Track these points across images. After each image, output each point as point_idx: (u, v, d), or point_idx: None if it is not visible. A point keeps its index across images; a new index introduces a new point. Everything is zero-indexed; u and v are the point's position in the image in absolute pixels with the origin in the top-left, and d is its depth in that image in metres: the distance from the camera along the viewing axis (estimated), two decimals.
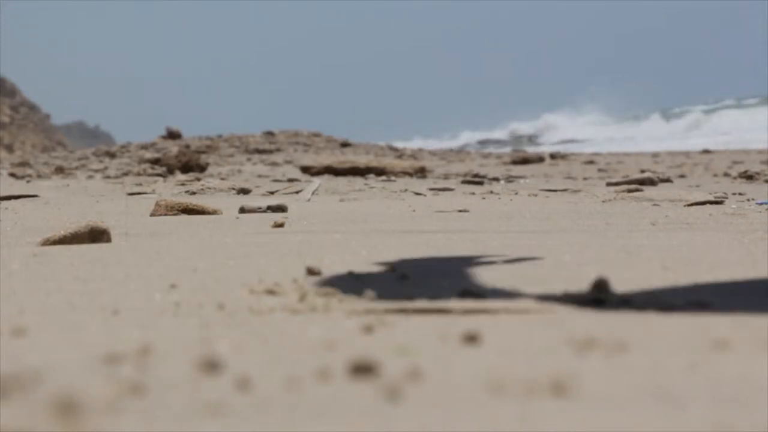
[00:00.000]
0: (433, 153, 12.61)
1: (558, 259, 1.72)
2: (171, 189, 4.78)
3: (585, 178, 6.42)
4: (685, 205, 3.22)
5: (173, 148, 10.81)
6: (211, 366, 0.93)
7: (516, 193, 4.02)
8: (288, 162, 9.60)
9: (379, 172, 6.61)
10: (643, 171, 6.80)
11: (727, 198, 3.63)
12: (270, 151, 11.36)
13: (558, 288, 1.41)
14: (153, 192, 4.59)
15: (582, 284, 1.43)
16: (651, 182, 4.89)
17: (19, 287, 1.46)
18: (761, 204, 3.31)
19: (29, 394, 0.84)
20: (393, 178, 6.33)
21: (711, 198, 3.39)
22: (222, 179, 6.06)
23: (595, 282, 1.38)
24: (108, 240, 2.14)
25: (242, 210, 3.00)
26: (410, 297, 1.34)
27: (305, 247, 1.93)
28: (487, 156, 12.07)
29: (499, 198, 3.74)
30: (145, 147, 11.54)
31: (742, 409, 0.80)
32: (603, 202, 3.51)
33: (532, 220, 2.68)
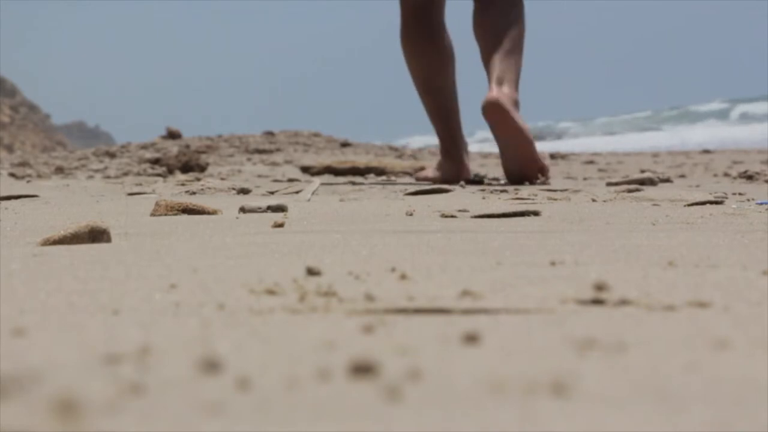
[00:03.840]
0: (433, 153, 12.61)
1: (558, 259, 1.72)
2: (171, 189, 4.78)
3: (585, 178, 6.42)
4: (685, 205, 3.22)
5: (173, 148, 10.81)
6: (211, 366, 0.93)
7: (517, 193, 4.02)
8: (288, 162, 9.60)
9: (379, 172, 6.61)
10: (643, 171, 6.79)
11: (727, 198, 3.63)
12: (270, 151, 11.36)
13: (558, 288, 1.41)
14: (153, 192, 4.59)
15: (582, 284, 1.43)
16: (651, 182, 4.88)
17: (19, 287, 1.46)
18: (761, 204, 3.31)
19: (29, 394, 0.84)
20: (393, 177, 6.33)
21: (711, 198, 3.39)
22: (222, 179, 6.06)
23: (595, 282, 1.38)
24: (108, 240, 2.14)
25: (242, 210, 3.00)
26: (410, 297, 1.34)
27: (305, 247, 1.94)
28: (487, 156, 12.08)
29: (499, 198, 3.74)
30: (145, 147, 11.54)
31: (742, 409, 0.80)
32: (603, 202, 3.51)
33: (532, 220, 2.68)
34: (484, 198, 3.72)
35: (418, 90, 4.73)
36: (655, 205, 3.31)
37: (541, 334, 1.10)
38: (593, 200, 3.59)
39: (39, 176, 7.25)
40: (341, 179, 6.27)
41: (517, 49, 4.28)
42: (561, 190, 4.36)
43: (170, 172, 6.95)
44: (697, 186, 5.07)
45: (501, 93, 4.18)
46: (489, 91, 4.24)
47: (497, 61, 4.25)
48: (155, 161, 7.58)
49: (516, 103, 4.22)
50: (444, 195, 3.94)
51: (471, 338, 1.05)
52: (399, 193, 4.27)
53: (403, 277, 1.51)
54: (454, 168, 4.70)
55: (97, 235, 2.12)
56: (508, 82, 4.22)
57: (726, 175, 6.51)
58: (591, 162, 9.43)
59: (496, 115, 4.14)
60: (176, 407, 0.80)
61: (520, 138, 4.20)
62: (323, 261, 1.70)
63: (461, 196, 3.89)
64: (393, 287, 1.43)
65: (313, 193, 4.13)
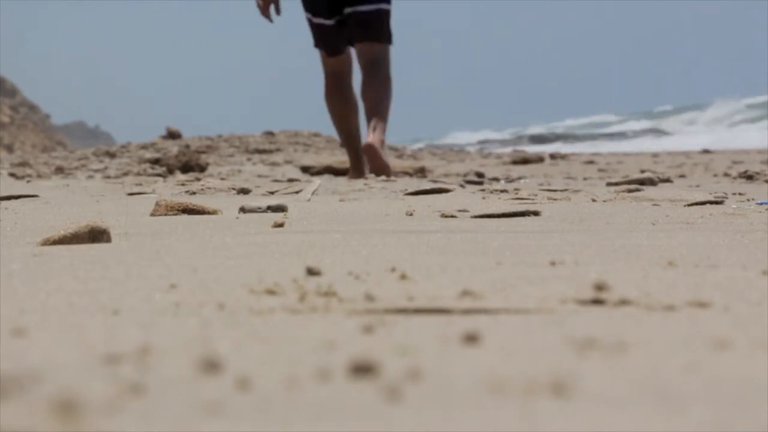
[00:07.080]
0: (433, 153, 12.61)
1: (558, 259, 1.72)
2: (171, 189, 4.78)
3: (585, 178, 6.42)
4: (685, 205, 3.22)
5: (173, 148, 10.81)
6: (211, 366, 0.93)
7: (517, 193, 4.02)
8: (288, 162, 9.61)
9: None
10: (643, 171, 6.79)
11: (727, 198, 3.63)
12: (270, 151, 11.37)
13: (558, 288, 1.41)
14: (153, 192, 4.59)
15: (582, 284, 1.43)
16: (651, 182, 4.89)
17: (19, 287, 1.46)
18: (761, 204, 3.31)
19: (29, 394, 0.84)
20: (393, 178, 6.33)
21: (711, 198, 3.39)
22: (222, 179, 6.06)
23: (595, 282, 1.38)
24: (108, 240, 2.14)
25: (242, 210, 3.00)
26: (410, 297, 1.34)
27: (305, 247, 1.94)
28: (486, 156, 12.08)
29: (499, 198, 3.74)
30: (145, 147, 11.55)
31: (742, 409, 0.80)
32: (603, 202, 3.51)
33: (532, 220, 2.68)
34: (484, 198, 3.72)
35: (336, 129, 7.32)
36: (655, 205, 3.31)
37: (541, 334, 1.10)
38: (593, 200, 3.59)
39: (39, 176, 7.25)
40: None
41: (385, 109, 6.91)
42: (561, 190, 4.36)
43: (170, 172, 6.95)
44: (697, 186, 5.08)
45: (374, 138, 6.68)
46: (367, 136, 6.75)
47: (372, 117, 6.81)
48: (155, 161, 7.58)
49: (383, 143, 6.81)
50: (444, 195, 3.94)
51: (471, 338, 1.05)
52: (399, 193, 4.27)
53: (403, 277, 1.51)
54: (358, 173, 7.03)
55: (97, 235, 2.12)
56: (378, 130, 6.78)
57: (726, 175, 6.51)
58: (591, 162, 9.44)
59: (370, 152, 6.65)
60: (176, 407, 0.80)
61: (382, 166, 6.63)
62: (323, 261, 1.70)
63: (461, 196, 3.89)
64: (393, 287, 1.43)
65: (313, 193, 4.13)
